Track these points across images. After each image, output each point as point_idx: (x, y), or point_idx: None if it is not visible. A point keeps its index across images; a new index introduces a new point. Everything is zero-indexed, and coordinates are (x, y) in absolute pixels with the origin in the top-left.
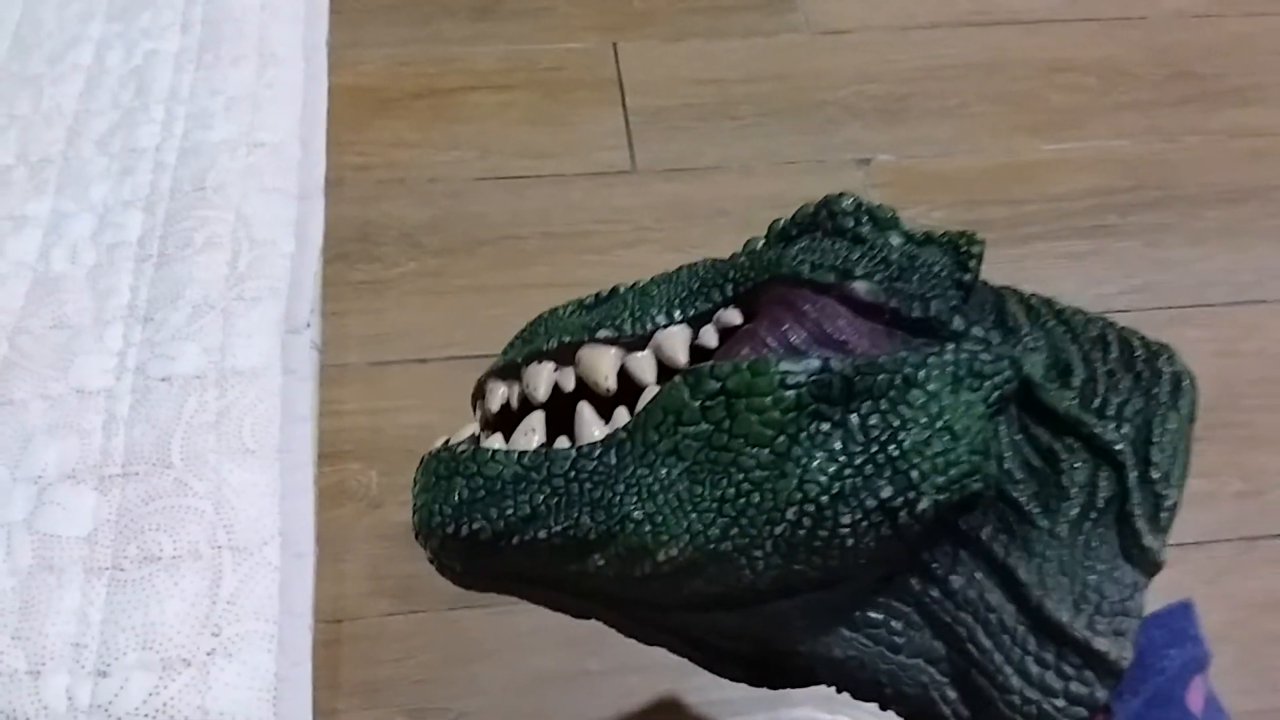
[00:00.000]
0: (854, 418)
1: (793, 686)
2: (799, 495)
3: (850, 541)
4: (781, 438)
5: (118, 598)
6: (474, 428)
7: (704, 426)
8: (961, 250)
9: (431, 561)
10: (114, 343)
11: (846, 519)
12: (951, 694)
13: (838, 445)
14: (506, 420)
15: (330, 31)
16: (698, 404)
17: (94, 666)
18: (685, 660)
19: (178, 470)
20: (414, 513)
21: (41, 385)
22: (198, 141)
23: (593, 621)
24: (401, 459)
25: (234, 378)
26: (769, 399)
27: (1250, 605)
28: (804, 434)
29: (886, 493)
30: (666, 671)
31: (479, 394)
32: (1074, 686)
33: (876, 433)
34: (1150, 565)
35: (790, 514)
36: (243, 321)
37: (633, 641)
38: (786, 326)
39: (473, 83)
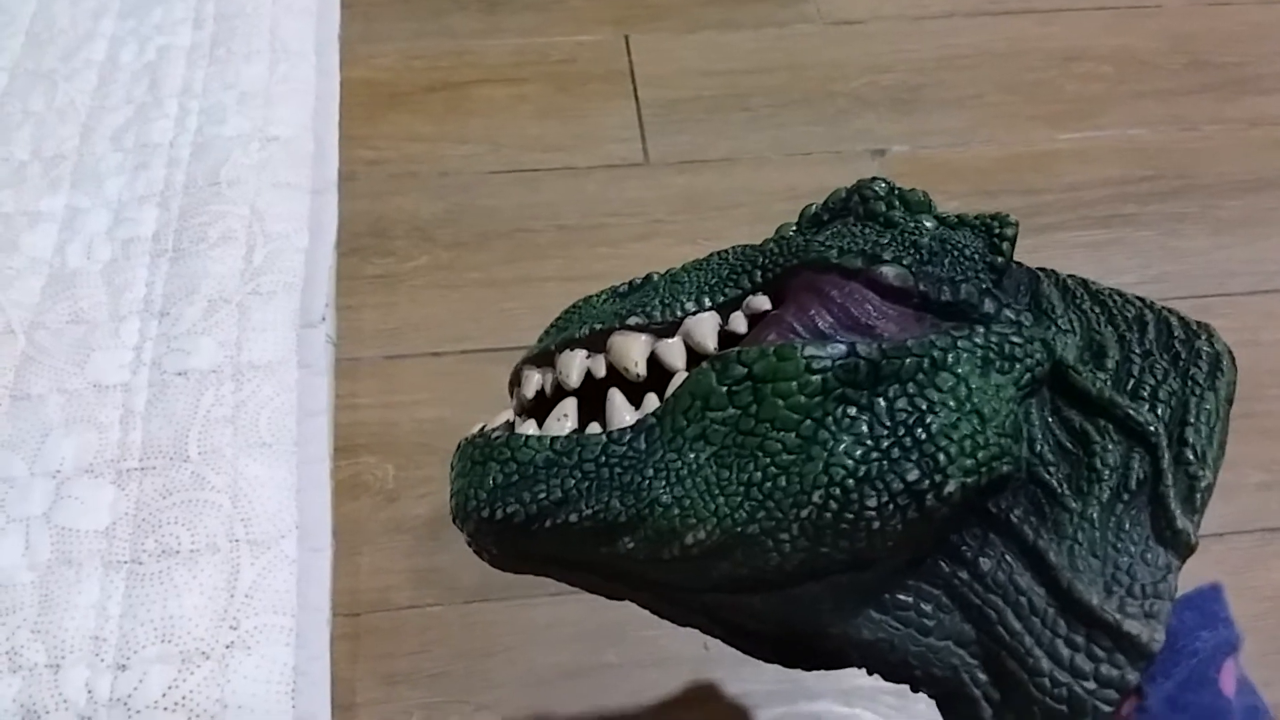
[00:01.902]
0: (881, 401)
1: (824, 668)
2: (825, 478)
3: (876, 524)
4: (807, 422)
5: (136, 591)
6: (508, 414)
7: (731, 411)
8: (994, 233)
9: (469, 544)
10: (130, 337)
11: (872, 501)
12: (982, 676)
13: (864, 429)
14: (542, 407)
15: (342, 26)
16: (724, 389)
17: (113, 660)
18: (703, 654)
19: (195, 464)
20: (451, 497)
21: (59, 380)
22: (211, 136)
23: (609, 615)
24: (417, 452)
25: (250, 372)
26: (794, 383)
27: (1273, 596)
28: (830, 418)
29: (913, 475)
30: (685, 665)
31: (515, 381)
32: (1105, 669)
33: (903, 416)
34: (1183, 547)
35: (816, 497)
36: (258, 316)
37: (651, 635)
38: (813, 311)
39: (485, 76)
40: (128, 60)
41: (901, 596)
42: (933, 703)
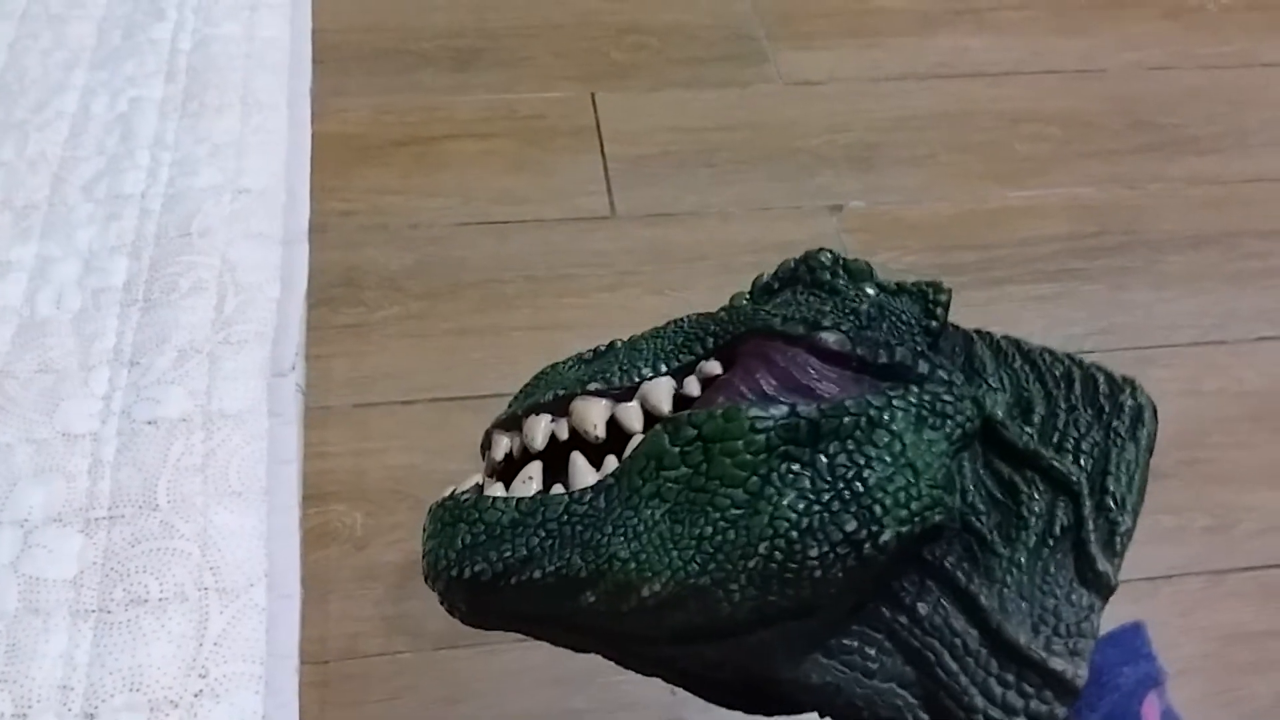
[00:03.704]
0: (822, 458)
1: (784, 713)
2: (770, 531)
3: (819, 573)
4: (754, 478)
5: (104, 640)
6: (478, 477)
7: (683, 470)
8: (929, 299)
9: (441, 602)
10: (100, 387)
11: (814, 551)
12: (924, 716)
13: (806, 484)
14: (510, 469)
15: (313, 80)
16: (677, 449)
17: (81, 709)
18: (670, 698)
19: (164, 513)
20: (423, 558)
21: (27, 429)
22: (183, 188)
23: (578, 661)
24: (386, 500)
25: (220, 421)
26: (740, 443)
27: (1220, 637)
28: (775, 474)
29: (850, 526)
30: (652, 710)
31: (486, 444)
32: (1034, 705)
33: (843, 470)
34: (1104, 588)
35: (762, 549)
36: (229, 365)
37: (618, 681)
38: (759, 375)
39: (454, 131)
40: (99, 112)
41: (847, 641)
42: None
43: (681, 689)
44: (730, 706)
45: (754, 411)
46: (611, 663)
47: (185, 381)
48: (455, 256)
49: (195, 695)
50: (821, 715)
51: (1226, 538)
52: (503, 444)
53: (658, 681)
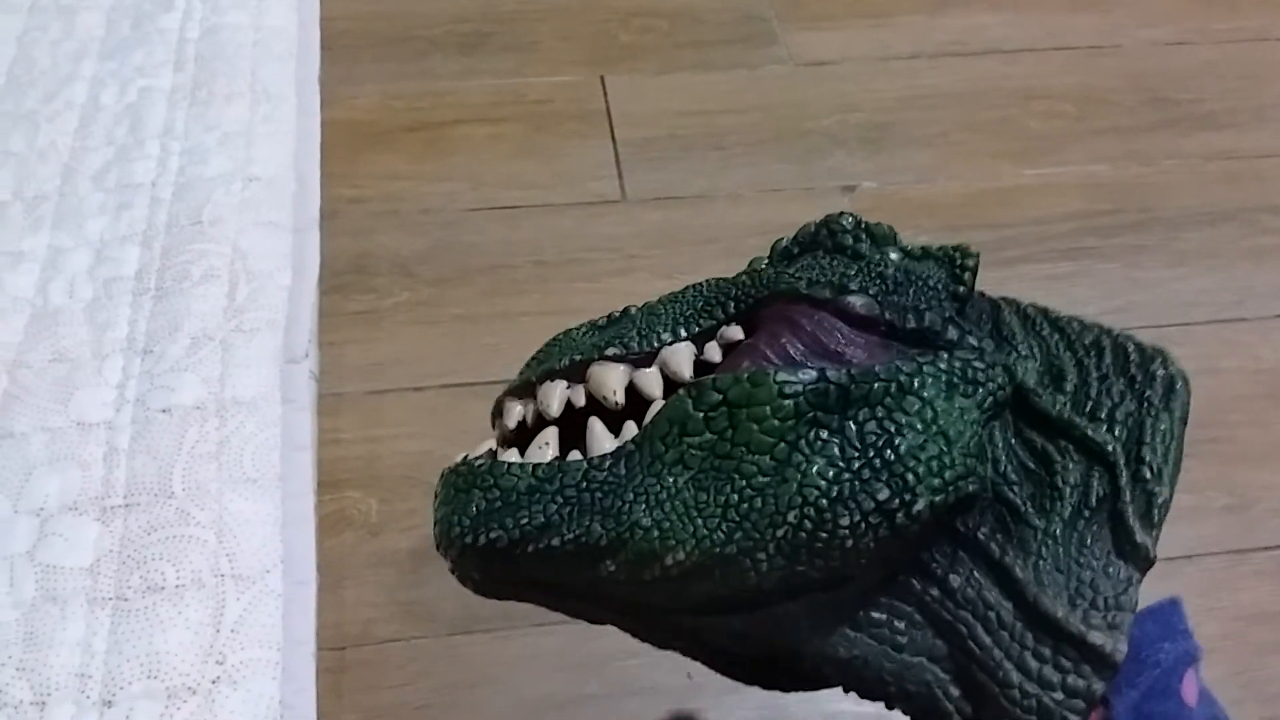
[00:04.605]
0: (851, 425)
1: (804, 689)
2: (799, 499)
3: (850, 543)
4: (781, 445)
5: (122, 628)
6: (490, 444)
7: (708, 436)
8: (956, 264)
9: (452, 571)
10: (113, 375)
11: (845, 521)
12: (954, 691)
13: (836, 451)
14: (524, 437)
15: (322, 67)
16: (701, 415)
17: (99, 697)
18: (686, 683)
19: (179, 500)
20: (434, 525)
21: (42, 418)
22: (193, 176)
23: (592, 646)
24: (400, 486)
25: (234, 408)
26: (768, 408)
27: (1241, 617)
28: (803, 441)
29: (883, 495)
30: (668, 694)
31: (497, 412)
32: (1072, 680)
33: (873, 438)
34: (1143, 561)
35: (791, 517)
36: (242, 352)
37: (633, 665)
38: (785, 339)
39: (463, 116)
40: (109, 102)
41: (875, 614)
42: None
43: (697, 669)
44: (749, 682)
45: (782, 376)
46: (626, 647)
47: (198, 369)
48: (465, 242)
49: (213, 682)
50: (847, 690)
51: (1246, 517)
52: (515, 411)
53: (673, 667)
